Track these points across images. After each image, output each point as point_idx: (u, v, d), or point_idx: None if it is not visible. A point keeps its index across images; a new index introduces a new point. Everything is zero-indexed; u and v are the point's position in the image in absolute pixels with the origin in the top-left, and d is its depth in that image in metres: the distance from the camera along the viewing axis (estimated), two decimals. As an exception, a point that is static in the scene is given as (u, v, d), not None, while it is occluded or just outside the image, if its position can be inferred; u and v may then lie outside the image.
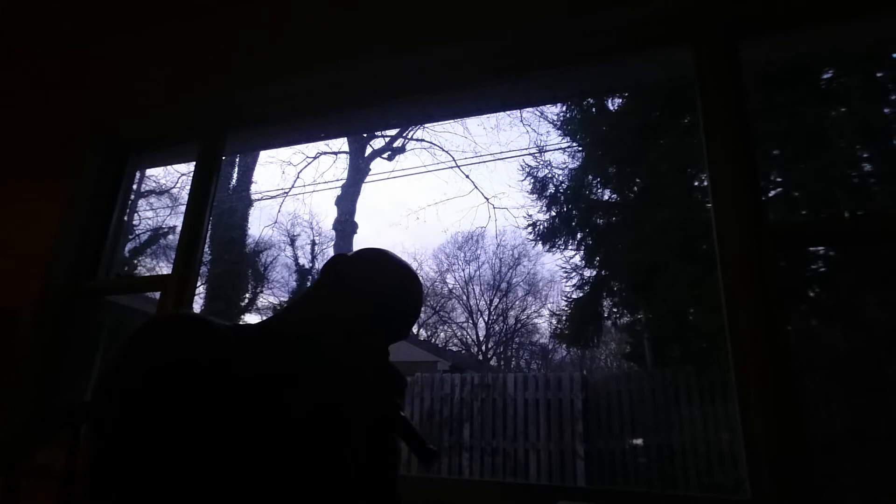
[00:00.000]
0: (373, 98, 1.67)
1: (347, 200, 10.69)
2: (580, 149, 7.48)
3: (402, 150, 11.23)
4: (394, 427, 0.81)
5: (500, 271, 12.78)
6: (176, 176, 9.27)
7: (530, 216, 7.69)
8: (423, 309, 0.92)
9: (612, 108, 7.02)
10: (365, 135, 10.36)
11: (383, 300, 0.81)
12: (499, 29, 1.47)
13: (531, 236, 7.64)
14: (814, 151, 4.85)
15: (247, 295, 10.31)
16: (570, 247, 7.44)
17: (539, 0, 1.44)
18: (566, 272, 7.46)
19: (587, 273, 7.30)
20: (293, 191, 11.38)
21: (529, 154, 10.90)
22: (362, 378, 0.79)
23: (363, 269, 0.85)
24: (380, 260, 0.87)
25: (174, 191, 9.42)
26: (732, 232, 1.13)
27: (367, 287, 0.82)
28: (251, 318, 9.99)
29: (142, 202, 9.26)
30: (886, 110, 4.77)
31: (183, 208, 1.75)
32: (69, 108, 2.03)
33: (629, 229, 6.47)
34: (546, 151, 8.31)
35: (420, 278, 0.91)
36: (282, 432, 0.67)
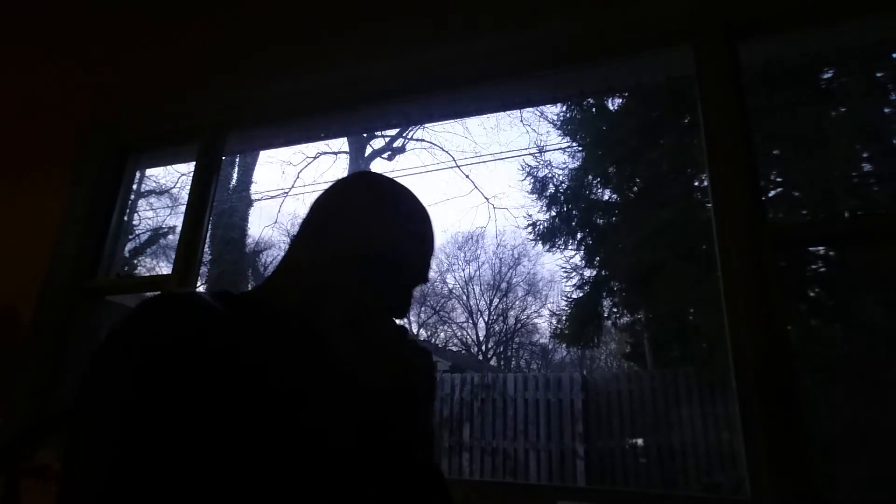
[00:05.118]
0: (373, 98, 1.67)
1: (347, 200, 10.66)
2: (580, 149, 7.48)
3: (402, 150, 11.24)
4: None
5: (500, 271, 12.80)
6: (176, 176, 9.27)
7: (530, 216, 7.69)
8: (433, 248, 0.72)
9: (612, 108, 7.02)
10: (365, 135, 10.35)
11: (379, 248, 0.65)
12: (499, 29, 1.47)
13: (531, 236, 7.64)
14: (814, 151, 4.85)
15: (247, 295, 10.29)
16: (570, 247, 7.44)
17: (539, 0, 1.44)
18: (566, 272, 7.46)
19: (587, 273, 7.30)
20: (293, 191, 11.40)
21: (529, 154, 10.93)
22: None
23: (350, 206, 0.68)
24: (366, 193, 0.69)
25: (174, 191, 9.42)
26: (732, 232, 1.13)
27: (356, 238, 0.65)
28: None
29: (142, 202, 9.27)
30: (886, 110, 4.77)
31: (183, 208, 1.75)
32: (69, 108, 2.03)
33: (629, 229, 6.46)
34: (546, 151, 8.32)
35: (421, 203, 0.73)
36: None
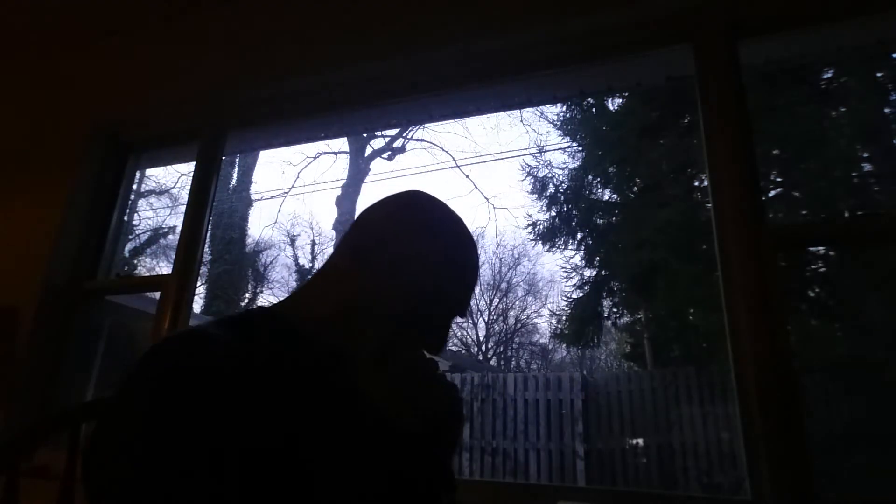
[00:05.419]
0: (373, 98, 1.67)
1: (347, 200, 10.68)
2: (580, 149, 7.48)
3: (402, 150, 11.24)
4: None
5: (500, 271, 12.77)
6: (176, 176, 9.28)
7: (530, 216, 7.68)
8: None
9: (612, 108, 7.01)
10: (365, 135, 10.35)
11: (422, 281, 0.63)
12: (499, 29, 1.47)
13: (531, 236, 7.64)
14: (814, 151, 4.85)
15: (247, 295, 10.33)
16: (570, 247, 7.44)
17: (539, 1, 1.44)
18: (566, 272, 7.46)
19: (587, 273, 7.30)
20: (293, 191, 11.41)
21: (529, 154, 10.91)
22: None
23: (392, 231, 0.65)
24: (410, 221, 0.66)
25: (174, 191, 9.42)
26: (732, 232, 1.13)
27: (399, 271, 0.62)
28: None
29: (142, 202, 9.27)
30: (886, 110, 4.77)
31: (183, 208, 1.75)
32: (70, 108, 2.03)
33: (629, 229, 6.46)
34: (546, 151, 8.31)
35: (468, 231, 0.69)
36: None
